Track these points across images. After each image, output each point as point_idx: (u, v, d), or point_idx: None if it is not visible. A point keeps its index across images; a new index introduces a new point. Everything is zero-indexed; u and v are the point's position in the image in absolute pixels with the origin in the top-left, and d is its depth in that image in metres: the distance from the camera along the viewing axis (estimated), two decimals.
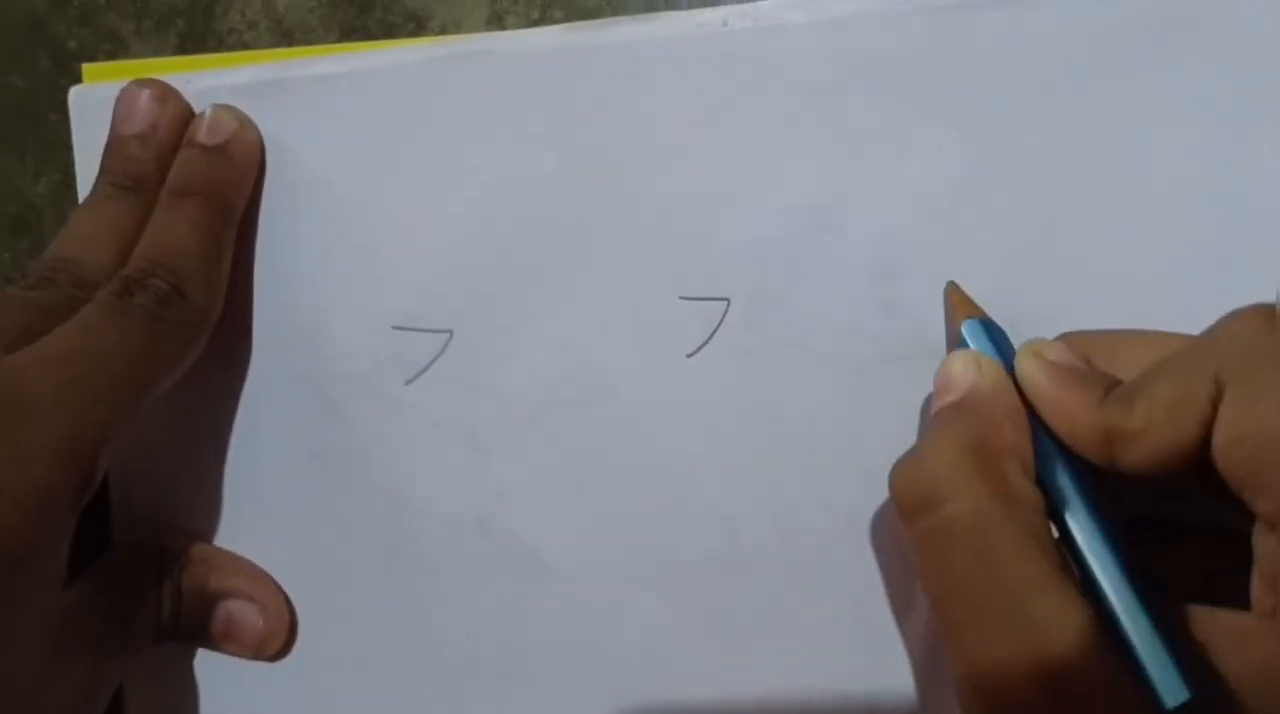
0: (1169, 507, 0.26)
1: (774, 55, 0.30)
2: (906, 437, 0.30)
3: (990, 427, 0.24)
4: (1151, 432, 0.23)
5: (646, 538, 0.31)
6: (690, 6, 0.31)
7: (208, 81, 0.33)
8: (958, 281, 0.28)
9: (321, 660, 0.33)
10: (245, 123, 0.32)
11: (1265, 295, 0.27)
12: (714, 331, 0.31)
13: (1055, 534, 0.24)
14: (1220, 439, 0.22)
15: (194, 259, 0.31)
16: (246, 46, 0.34)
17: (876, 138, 0.30)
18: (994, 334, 0.26)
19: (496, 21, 0.33)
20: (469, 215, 0.32)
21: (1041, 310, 0.29)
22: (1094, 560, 0.23)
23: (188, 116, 0.33)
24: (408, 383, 0.32)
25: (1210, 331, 0.23)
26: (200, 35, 0.34)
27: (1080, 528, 0.23)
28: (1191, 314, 0.27)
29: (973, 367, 0.25)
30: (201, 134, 0.32)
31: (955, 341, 0.26)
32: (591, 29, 0.31)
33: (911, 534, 0.24)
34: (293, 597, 0.33)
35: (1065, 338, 0.27)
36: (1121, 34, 0.29)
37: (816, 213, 0.30)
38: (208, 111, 0.32)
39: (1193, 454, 0.22)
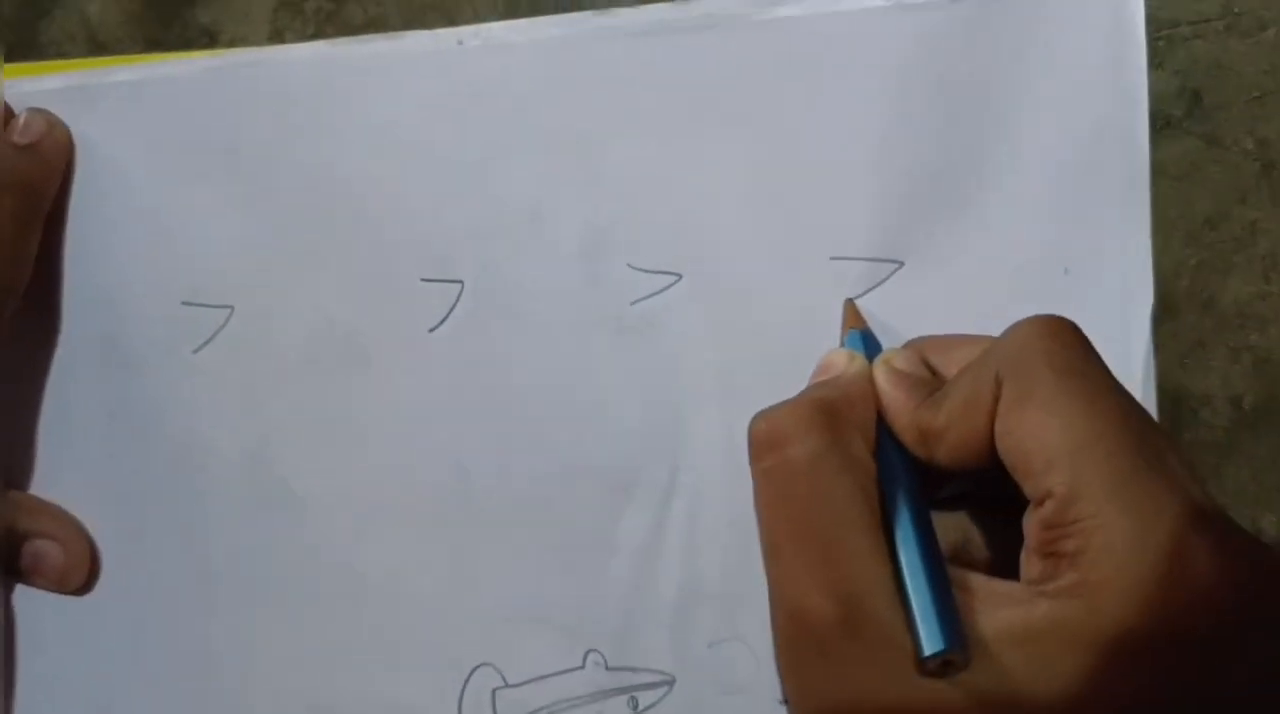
0: (986, 497, 0.30)
1: (499, 70, 0.35)
2: (609, 398, 0.35)
3: (845, 399, 0.28)
4: (951, 428, 0.27)
5: (392, 480, 0.36)
6: (434, 27, 0.36)
7: (26, 87, 0.38)
8: (853, 300, 0.33)
9: (120, 591, 0.38)
10: (55, 123, 0.37)
11: (899, 274, 0.33)
12: (451, 309, 0.36)
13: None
14: (997, 431, 0.26)
15: (3, 243, 0.35)
16: (65, 56, 0.39)
17: (582, 139, 0.35)
18: (870, 344, 0.32)
19: (277, 37, 0.38)
20: (246, 205, 0.37)
21: (726, 290, 0.34)
22: (898, 528, 0.27)
23: (6, 119, 0.37)
24: (195, 351, 0.37)
25: (1000, 336, 0.27)
26: (26, 45, 0.39)
27: (895, 501, 0.27)
28: (838, 290, 0.33)
29: (845, 359, 0.30)
30: (15, 134, 0.37)
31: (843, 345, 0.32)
32: (349, 44, 0.36)
33: (756, 469, 0.27)
34: (96, 536, 0.38)
35: (914, 341, 0.32)
36: (784, 56, 0.34)
37: (531, 207, 0.35)
38: (22, 114, 0.37)
39: (986, 447, 0.26)
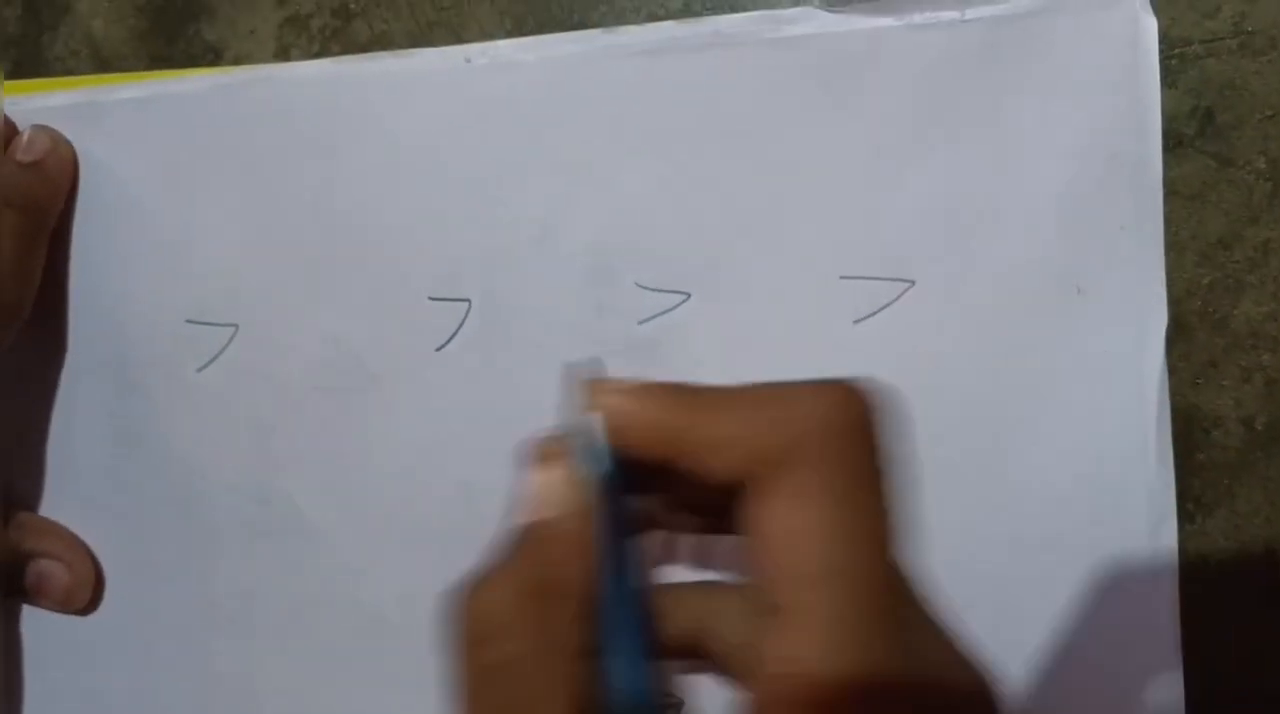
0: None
1: (507, 88, 0.35)
2: None
3: (558, 563, 0.24)
4: (717, 444, 0.23)
5: (399, 501, 0.36)
6: (442, 44, 0.36)
7: (30, 104, 0.38)
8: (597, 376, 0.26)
9: (124, 613, 0.38)
10: (60, 141, 0.37)
11: (910, 294, 0.32)
12: (458, 328, 0.36)
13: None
14: (753, 510, 0.22)
15: (8, 262, 0.35)
16: (70, 73, 0.39)
17: (590, 158, 0.35)
18: (598, 455, 0.24)
19: (283, 54, 0.37)
20: (252, 223, 0.37)
21: (734, 308, 0.34)
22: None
23: (10, 136, 0.37)
24: (199, 370, 0.37)
25: (794, 389, 0.23)
26: (29, 63, 0.39)
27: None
28: (847, 309, 0.32)
29: (554, 486, 0.24)
30: (19, 152, 0.36)
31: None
32: (356, 62, 0.36)
33: (461, 661, 0.24)
34: (101, 558, 0.38)
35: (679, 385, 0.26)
36: (794, 75, 0.34)
37: (539, 226, 0.35)
38: (26, 132, 0.37)
39: (723, 499, 0.23)
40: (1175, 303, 0.33)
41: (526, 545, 0.24)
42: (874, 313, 0.34)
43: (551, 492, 0.24)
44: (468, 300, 0.35)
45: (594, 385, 0.25)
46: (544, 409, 0.35)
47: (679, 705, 0.24)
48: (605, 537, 0.24)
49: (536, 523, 0.24)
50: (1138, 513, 0.33)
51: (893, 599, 0.22)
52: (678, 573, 0.31)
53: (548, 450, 0.25)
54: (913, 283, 0.34)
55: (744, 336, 0.34)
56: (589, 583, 0.23)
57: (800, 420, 0.22)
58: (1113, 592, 0.33)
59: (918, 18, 0.33)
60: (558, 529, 0.24)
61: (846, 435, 0.22)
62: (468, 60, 0.35)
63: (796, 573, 0.21)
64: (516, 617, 0.23)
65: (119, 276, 0.37)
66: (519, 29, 0.36)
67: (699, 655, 0.25)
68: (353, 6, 0.38)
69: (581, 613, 0.23)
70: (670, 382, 0.24)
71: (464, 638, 0.23)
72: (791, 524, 0.21)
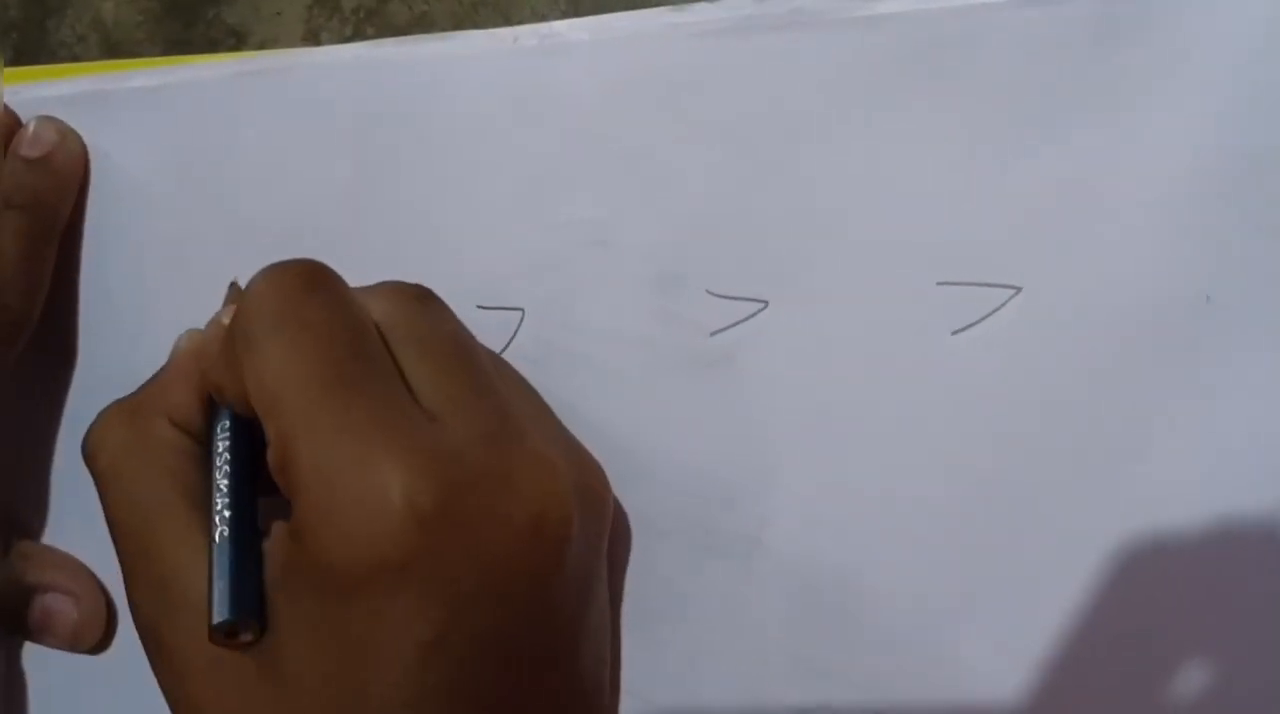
0: None
1: (560, 73, 0.32)
2: (685, 443, 0.31)
3: (157, 389, 0.28)
4: (211, 372, 0.27)
5: None
6: (488, 25, 0.32)
7: (33, 93, 0.34)
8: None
9: (139, 652, 0.34)
10: (68, 133, 0.34)
11: (1016, 301, 0.29)
12: (510, 340, 0.32)
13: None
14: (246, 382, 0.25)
15: (13, 268, 0.32)
16: (77, 59, 0.35)
17: (656, 154, 0.31)
18: None
19: (312, 38, 0.34)
20: (278, 224, 0.33)
21: (818, 317, 0.31)
22: (213, 495, 0.26)
23: (13, 128, 0.34)
24: None
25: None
26: (33, 49, 0.35)
27: (215, 469, 0.26)
28: (944, 319, 0.29)
29: (184, 340, 0.29)
30: (23, 146, 0.33)
31: None
32: (392, 45, 0.33)
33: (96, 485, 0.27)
34: (113, 590, 0.35)
35: None
36: (884, 57, 0.30)
37: (597, 227, 0.32)
38: (31, 124, 0.33)
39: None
40: None
41: (141, 385, 0.29)
42: (975, 323, 0.30)
43: (173, 347, 0.29)
44: (520, 309, 0.32)
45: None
46: (602, 430, 0.32)
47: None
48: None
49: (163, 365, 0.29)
50: (1275, 549, 0.29)
51: (346, 388, 0.24)
52: None
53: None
54: (1019, 289, 0.30)
55: (828, 349, 0.31)
56: (192, 402, 0.28)
57: (241, 303, 0.26)
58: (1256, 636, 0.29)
59: None
60: (168, 362, 0.29)
61: (270, 291, 0.26)
62: (516, 42, 0.32)
63: (265, 403, 0.25)
64: (112, 427, 0.28)
65: (132, 282, 0.34)
66: (574, 8, 0.33)
67: None
68: None
69: (179, 424, 0.27)
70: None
71: (87, 463, 0.28)
72: (251, 371, 0.25)
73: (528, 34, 0.32)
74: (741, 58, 0.31)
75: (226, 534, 0.25)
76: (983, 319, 0.30)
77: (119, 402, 0.28)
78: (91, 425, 0.28)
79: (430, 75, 0.32)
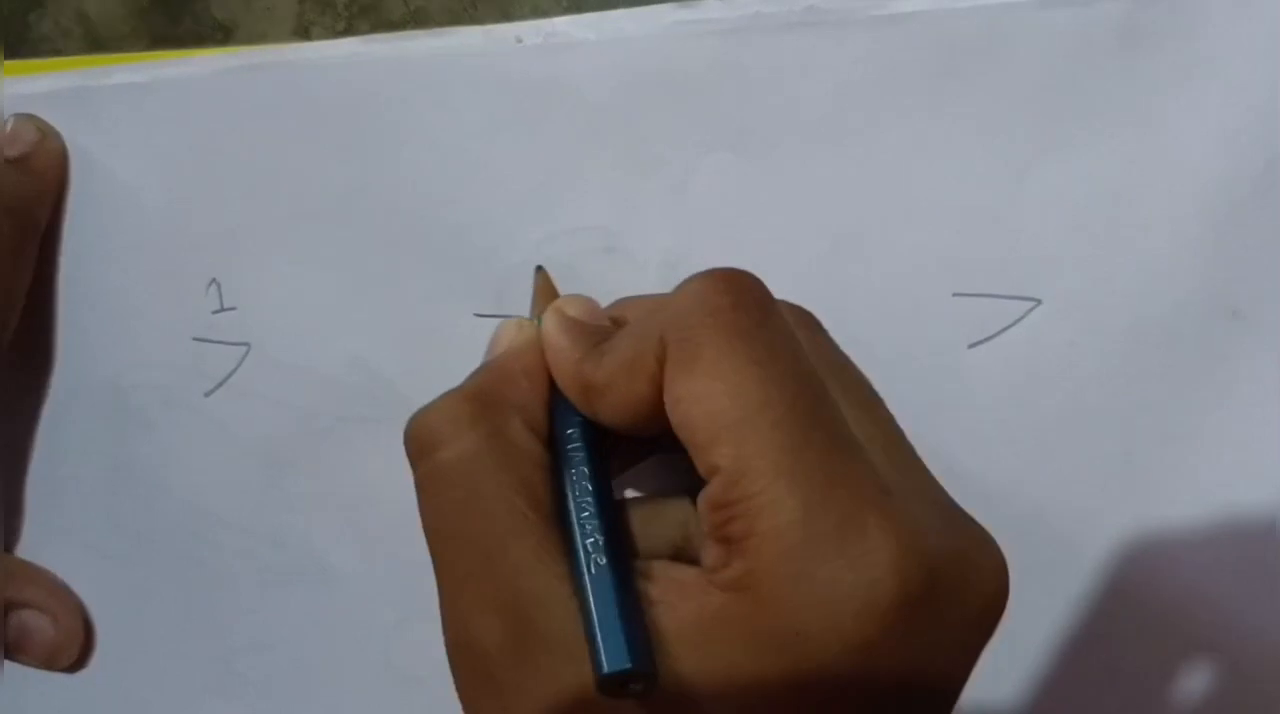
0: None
1: (564, 72, 0.30)
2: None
3: (503, 381, 0.25)
4: (613, 387, 0.23)
5: None
6: (487, 22, 0.31)
7: (13, 89, 0.33)
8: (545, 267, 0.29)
9: (120, 671, 0.33)
10: (48, 132, 0.32)
11: (1035, 314, 0.28)
12: None
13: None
14: (666, 400, 0.22)
15: None
16: (59, 54, 0.34)
17: (663, 158, 0.30)
18: None
19: (303, 33, 0.33)
20: (267, 228, 0.32)
21: (817, 309, 0.29)
22: (574, 517, 0.23)
23: None
24: (206, 395, 0.32)
25: (669, 293, 0.24)
26: (14, 43, 0.34)
27: (571, 485, 0.23)
28: (960, 332, 0.28)
29: (513, 329, 0.26)
30: (2, 145, 0.32)
31: None
32: (387, 41, 0.31)
33: (415, 480, 0.24)
34: (92, 607, 0.33)
35: (622, 301, 0.28)
36: (901, 59, 0.29)
37: (603, 233, 0.30)
38: (9, 122, 0.32)
39: (654, 411, 0.23)
40: None
41: (477, 371, 0.26)
42: (993, 336, 0.29)
43: (504, 333, 0.26)
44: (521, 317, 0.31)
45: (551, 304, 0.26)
46: None
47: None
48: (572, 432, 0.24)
49: (497, 355, 0.26)
50: None
51: (830, 427, 0.21)
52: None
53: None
54: (1038, 302, 0.29)
55: None
56: (541, 402, 0.25)
57: (674, 312, 0.22)
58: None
59: None
60: (516, 350, 0.26)
61: (720, 304, 0.22)
62: (519, 40, 0.31)
63: (717, 428, 0.21)
64: (458, 419, 0.24)
65: (115, 287, 0.33)
66: (577, 4, 0.32)
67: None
68: None
69: (530, 425, 0.24)
70: (595, 315, 0.26)
71: (411, 454, 0.24)
72: (695, 390, 0.21)
73: (530, 31, 0.30)
74: (752, 58, 0.30)
75: (605, 565, 0.22)
76: (1000, 332, 0.29)
77: (459, 391, 0.25)
78: (426, 413, 0.24)
79: (427, 73, 0.31)
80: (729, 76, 0.30)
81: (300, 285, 0.32)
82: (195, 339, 0.32)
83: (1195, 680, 0.29)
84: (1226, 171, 0.28)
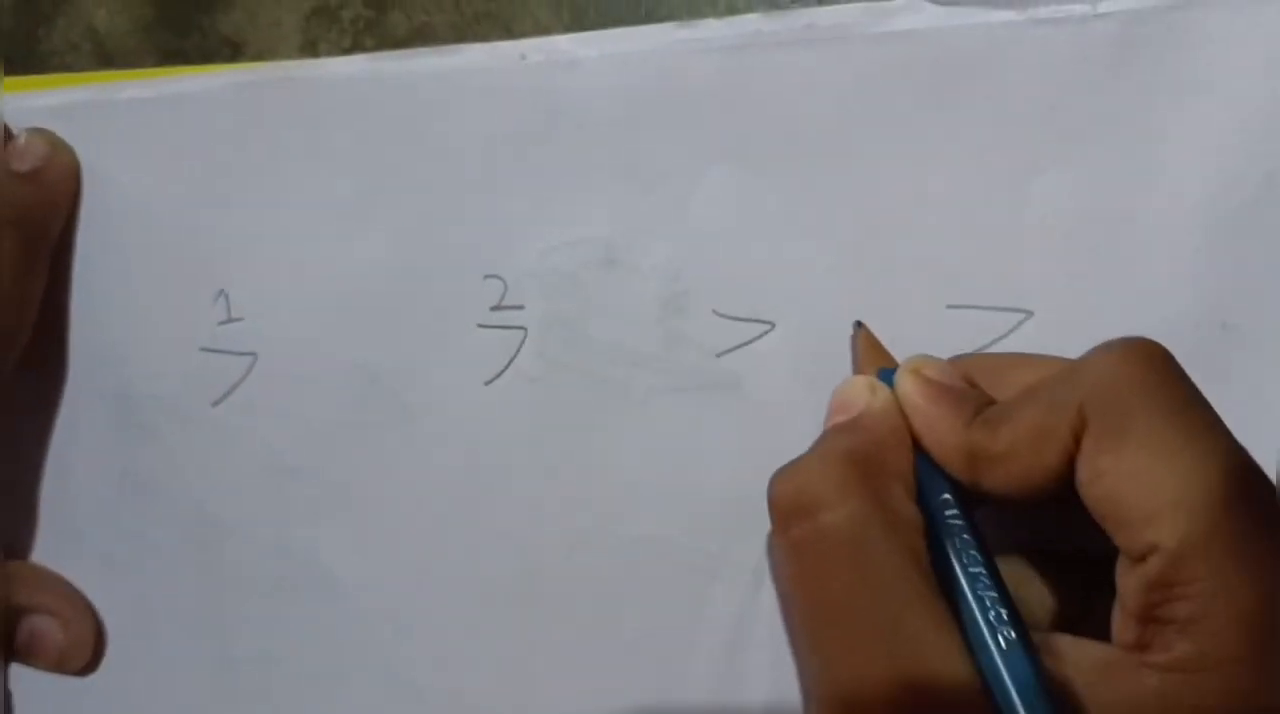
0: (1042, 537, 0.26)
1: (568, 89, 0.31)
2: (691, 465, 0.31)
3: (877, 445, 0.24)
4: (1014, 457, 0.23)
5: (440, 562, 0.32)
6: (490, 38, 0.31)
7: (24, 103, 0.33)
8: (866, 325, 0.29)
9: (128, 675, 0.34)
10: (59, 146, 0.33)
11: (1027, 326, 0.28)
12: (512, 359, 0.32)
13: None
14: (1082, 473, 0.22)
15: (3, 286, 0.31)
16: (69, 69, 0.35)
17: (664, 172, 0.31)
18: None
19: (310, 49, 0.33)
20: (274, 240, 0.32)
21: (824, 340, 0.30)
22: (968, 589, 0.23)
23: (2, 141, 0.33)
24: (214, 404, 0.33)
25: (1081, 361, 0.23)
26: (23, 58, 0.35)
27: (956, 553, 0.23)
28: (954, 343, 0.28)
29: (866, 390, 0.25)
30: (13, 160, 0.32)
31: None
32: (395, 59, 0.32)
33: (784, 540, 0.24)
34: (102, 613, 0.34)
35: (956, 359, 0.27)
36: (898, 76, 0.30)
37: (606, 246, 0.31)
38: (21, 136, 0.33)
39: (1054, 483, 0.22)
40: None
41: (841, 431, 0.25)
42: (985, 347, 0.30)
43: (857, 394, 0.25)
44: (523, 328, 0.31)
45: (903, 368, 0.26)
46: (607, 453, 0.31)
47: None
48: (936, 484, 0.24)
49: (849, 418, 0.25)
50: None
51: (1269, 510, 0.21)
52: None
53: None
54: (1030, 314, 0.30)
55: (834, 373, 0.30)
56: (911, 467, 0.24)
57: (1093, 381, 0.22)
58: None
59: (1043, 11, 0.29)
60: (879, 414, 0.25)
61: (1147, 377, 0.22)
62: (522, 57, 0.31)
63: (1156, 505, 0.21)
64: (843, 482, 0.23)
65: (125, 299, 0.33)
66: (579, 22, 0.32)
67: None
68: None
69: (908, 494, 0.24)
70: (954, 377, 0.25)
71: (783, 514, 0.24)
72: (1127, 466, 0.21)
73: (533, 49, 0.31)
74: (752, 75, 0.30)
75: (1015, 640, 0.21)
76: (992, 343, 0.30)
77: (833, 452, 0.24)
78: (799, 472, 0.24)
79: (432, 89, 0.31)
80: (729, 93, 0.30)
81: (307, 296, 0.32)
82: (203, 349, 0.33)
83: None
84: (1219, 186, 0.29)
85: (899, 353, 0.30)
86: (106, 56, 0.34)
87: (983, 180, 0.30)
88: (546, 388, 0.31)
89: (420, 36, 0.33)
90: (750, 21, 0.30)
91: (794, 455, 0.30)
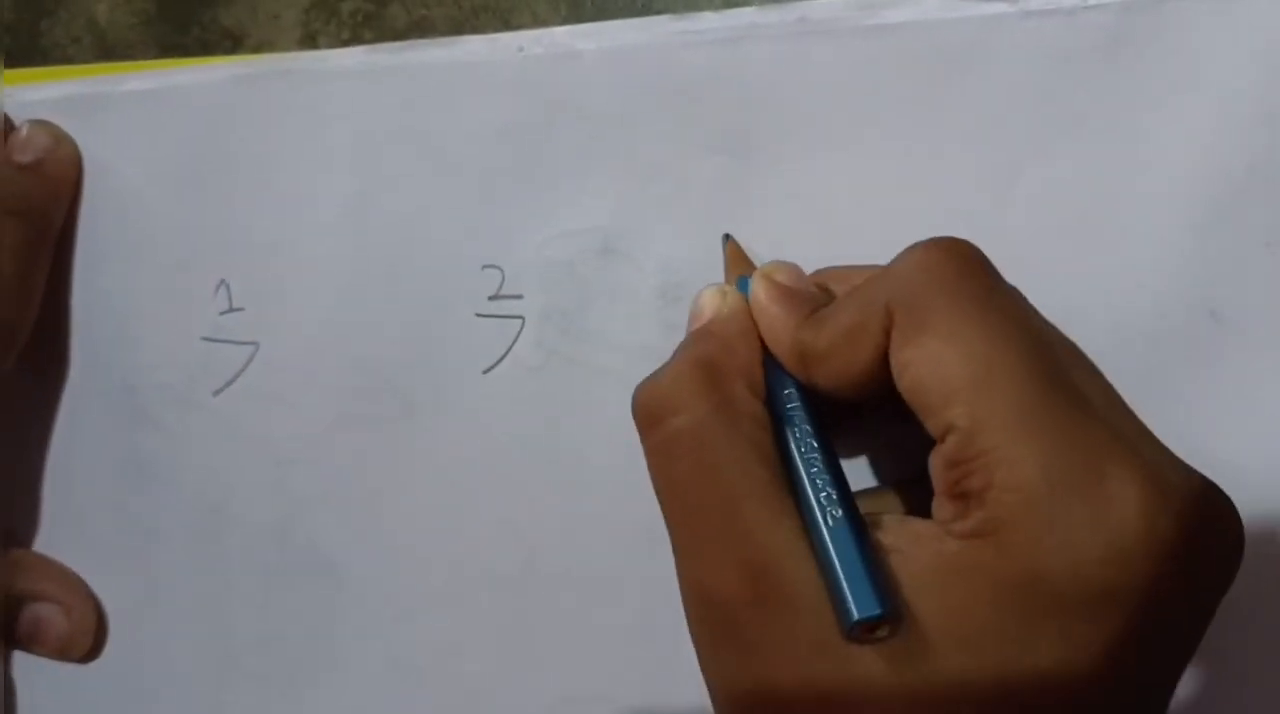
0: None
1: (565, 81, 0.31)
2: None
3: (723, 348, 0.25)
4: (834, 354, 0.24)
5: (440, 550, 0.32)
6: (488, 31, 0.32)
7: (26, 96, 0.34)
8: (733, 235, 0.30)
9: (128, 663, 0.34)
10: (61, 138, 0.33)
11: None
12: (510, 348, 0.32)
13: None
14: (893, 366, 0.23)
15: (7, 277, 0.31)
16: (70, 62, 0.35)
17: (661, 163, 0.31)
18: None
19: (309, 41, 0.33)
20: (274, 230, 0.33)
21: None
22: (804, 473, 0.24)
23: (4, 132, 0.33)
24: (215, 394, 0.33)
25: (892, 261, 0.25)
26: (25, 51, 0.35)
27: (796, 442, 0.24)
28: None
29: (718, 297, 0.27)
30: (15, 151, 0.32)
31: None
32: (393, 51, 0.32)
33: (645, 448, 0.25)
34: (104, 600, 0.34)
35: (821, 270, 0.28)
36: (890, 67, 0.30)
37: (602, 235, 0.31)
38: (23, 128, 0.33)
39: (873, 377, 0.24)
40: None
41: (693, 338, 0.26)
42: None
43: (709, 301, 0.27)
44: (521, 318, 0.32)
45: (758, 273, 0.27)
46: (605, 441, 0.31)
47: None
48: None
49: (700, 326, 0.26)
50: None
51: (1062, 385, 0.22)
52: None
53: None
54: None
55: None
56: (758, 365, 0.25)
57: (899, 280, 0.24)
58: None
59: (1034, 4, 0.29)
60: (727, 317, 0.26)
61: (945, 272, 0.23)
62: (520, 50, 0.31)
63: (950, 389, 0.22)
64: (691, 390, 0.24)
65: (127, 289, 0.34)
66: (576, 14, 0.33)
67: None
68: None
69: (752, 389, 0.25)
70: (802, 282, 0.27)
71: (642, 424, 0.25)
72: (926, 354, 0.22)
73: (531, 41, 0.31)
74: (747, 67, 0.31)
75: (841, 516, 0.23)
76: None
77: (684, 360, 0.25)
78: (656, 383, 0.25)
79: (430, 81, 0.32)
80: (725, 84, 0.31)
81: (307, 286, 0.33)
82: (205, 339, 0.33)
83: (1189, 682, 0.30)
84: (1207, 177, 0.29)
85: None
86: (107, 49, 0.35)
87: (974, 169, 0.30)
88: (544, 376, 0.31)
89: (419, 29, 0.33)
90: (745, 14, 0.31)
91: None
